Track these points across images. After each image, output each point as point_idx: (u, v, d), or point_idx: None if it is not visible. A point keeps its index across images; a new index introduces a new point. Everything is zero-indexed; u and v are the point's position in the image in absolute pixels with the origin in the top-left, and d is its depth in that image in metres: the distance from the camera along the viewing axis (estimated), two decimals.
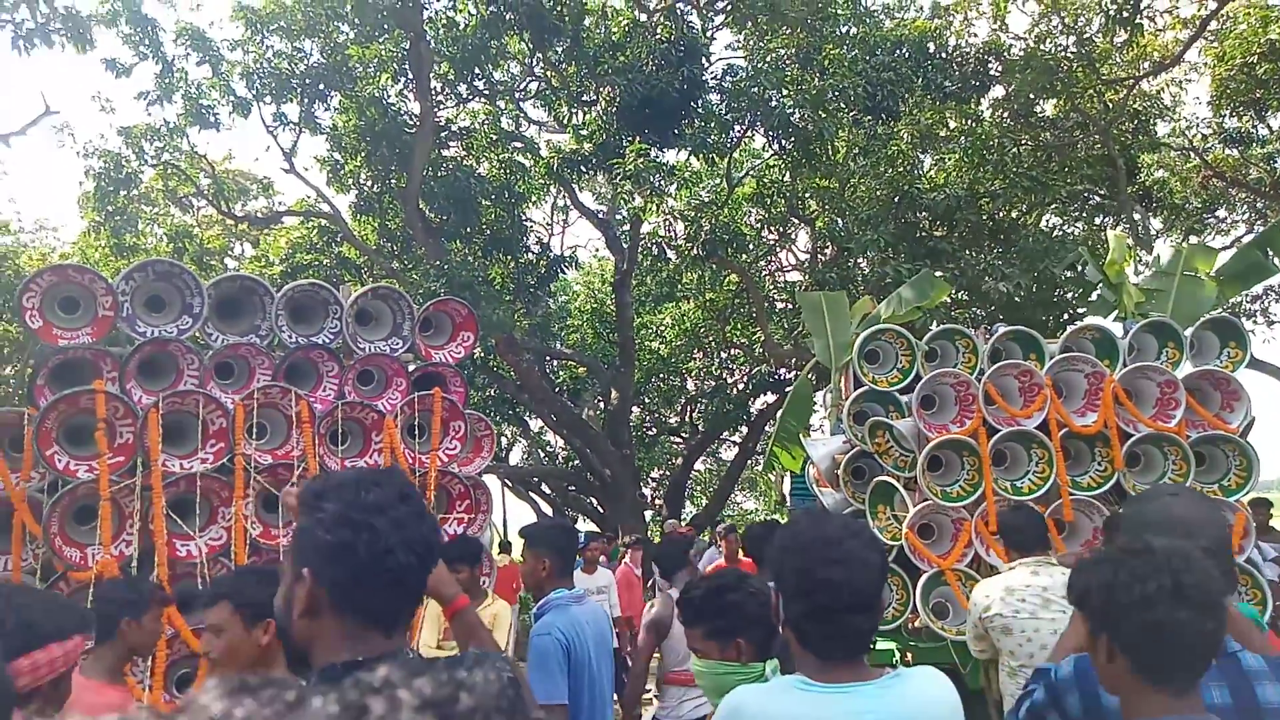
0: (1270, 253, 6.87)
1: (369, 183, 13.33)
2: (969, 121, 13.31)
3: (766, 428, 15.27)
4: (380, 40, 12.51)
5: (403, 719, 0.32)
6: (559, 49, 12.58)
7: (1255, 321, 17.02)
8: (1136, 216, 14.03)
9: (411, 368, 4.90)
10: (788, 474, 7.70)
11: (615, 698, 3.52)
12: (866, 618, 1.53)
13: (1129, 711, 1.46)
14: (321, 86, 12.51)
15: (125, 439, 4.07)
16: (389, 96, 13.14)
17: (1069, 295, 11.04)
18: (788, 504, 8.42)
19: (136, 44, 12.06)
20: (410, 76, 12.41)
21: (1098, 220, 14.77)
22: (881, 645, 5.13)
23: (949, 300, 10.03)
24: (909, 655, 5.23)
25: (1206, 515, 1.83)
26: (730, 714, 1.53)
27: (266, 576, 2.24)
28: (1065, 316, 11.31)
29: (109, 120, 26.99)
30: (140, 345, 4.20)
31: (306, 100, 12.64)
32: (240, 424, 4.22)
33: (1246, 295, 15.81)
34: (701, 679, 2.28)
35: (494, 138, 13.75)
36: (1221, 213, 16.98)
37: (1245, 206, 16.79)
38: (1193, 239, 14.76)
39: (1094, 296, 7.07)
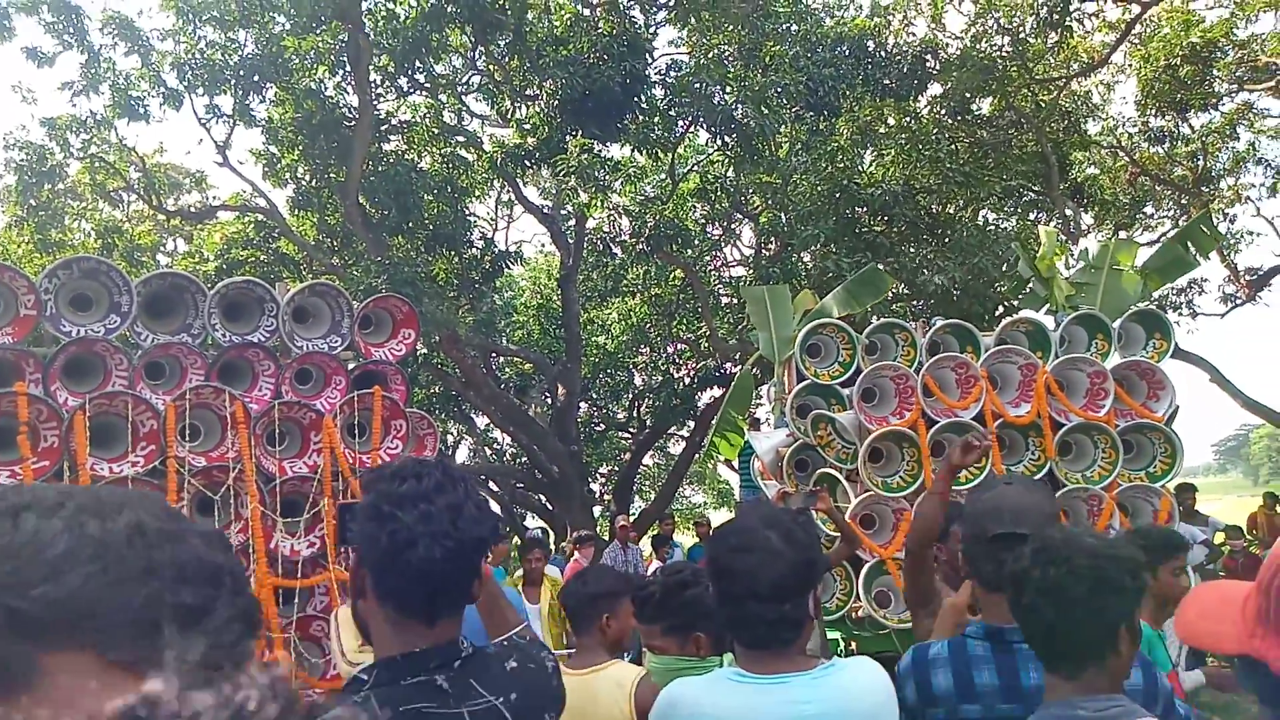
0: (1191, 247, 7.14)
1: (307, 177, 13.02)
2: (907, 118, 13.54)
3: (713, 421, 15.35)
4: (317, 31, 12.21)
5: None
6: (501, 42, 12.45)
7: (1180, 313, 17.63)
8: (1068, 212, 14.43)
9: (351, 366, 4.82)
10: (736, 470, 7.77)
11: None
12: (773, 607, 1.49)
13: (1045, 696, 1.55)
14: (256, 78, 12.15)
15: (50, 442, 3.93)
16: (327, 89, 12.86)
17: (1002, 289, 11.31)
18: (736, 498, 8.50)
19: (60, 32, 11.61)
20: (348, 69, 12.16)
21: (1031, 216, 15.16)
22: (826, 635, 5.21)
23: (888, 294, 10.22)
24: (853, 644, 5.32)
25: (1034, 502, 1.94)
26: (667, 707, 1.54)
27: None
28: (999, 310, 11.59)
29: (30, 111, 25.88)
30: (65, 345, 4.06)
31: (241, 92, 12.28)
32: (172, 426, 4.10)
33: (1171, 288, 16.38)
34: (658, 676, 2.24)
35: (435, 131, 13.55)
36: (1149, 209, 17.56)
37: (1170, 203, 17.40)
38: (1122, 234, 15.25)
39: (1027, 290, 7.26)
